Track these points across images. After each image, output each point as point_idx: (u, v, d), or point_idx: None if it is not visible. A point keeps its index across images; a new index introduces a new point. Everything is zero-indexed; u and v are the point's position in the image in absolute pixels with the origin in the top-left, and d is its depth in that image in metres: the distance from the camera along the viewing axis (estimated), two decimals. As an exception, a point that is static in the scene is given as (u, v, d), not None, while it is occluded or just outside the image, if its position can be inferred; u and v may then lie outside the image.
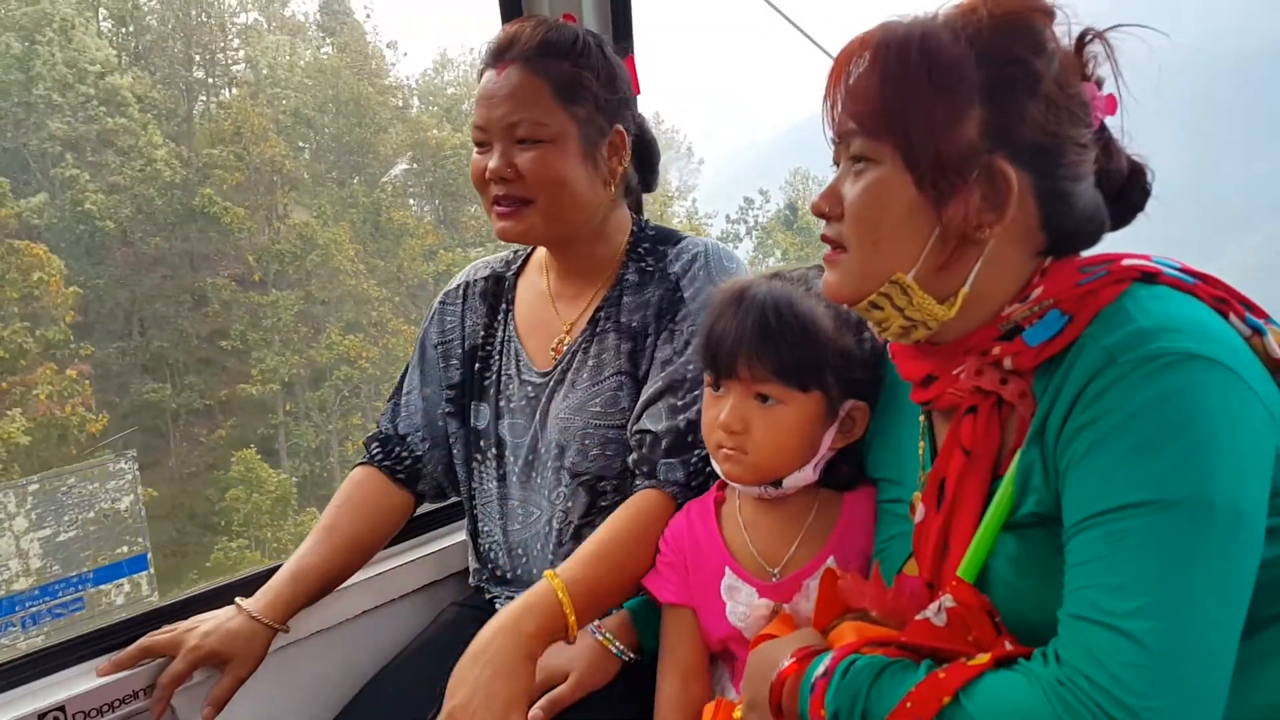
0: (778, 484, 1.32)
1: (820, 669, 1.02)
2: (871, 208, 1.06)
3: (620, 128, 1.63)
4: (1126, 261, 1.05)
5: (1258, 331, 1.03)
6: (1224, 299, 1.04)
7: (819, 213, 1.12)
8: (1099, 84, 1.07)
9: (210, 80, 26.99)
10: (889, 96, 1.03)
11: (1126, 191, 1.11)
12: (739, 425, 1.29)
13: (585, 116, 1.58)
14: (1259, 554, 0.93)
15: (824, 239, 1.13)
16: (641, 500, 1.49)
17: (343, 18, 29.58)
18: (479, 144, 1.60)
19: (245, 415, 22.73)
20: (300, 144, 26.34)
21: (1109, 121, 1.09)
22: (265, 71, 26.42)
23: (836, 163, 1.13)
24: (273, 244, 23.72)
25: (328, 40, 29.09)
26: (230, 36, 27.03)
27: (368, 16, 35.95)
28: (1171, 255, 1.09)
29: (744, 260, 1.66)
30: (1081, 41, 1.07)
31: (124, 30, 26.19)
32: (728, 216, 35.46)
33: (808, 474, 1.32)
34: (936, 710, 0.92)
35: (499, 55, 1.59)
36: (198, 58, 26.77)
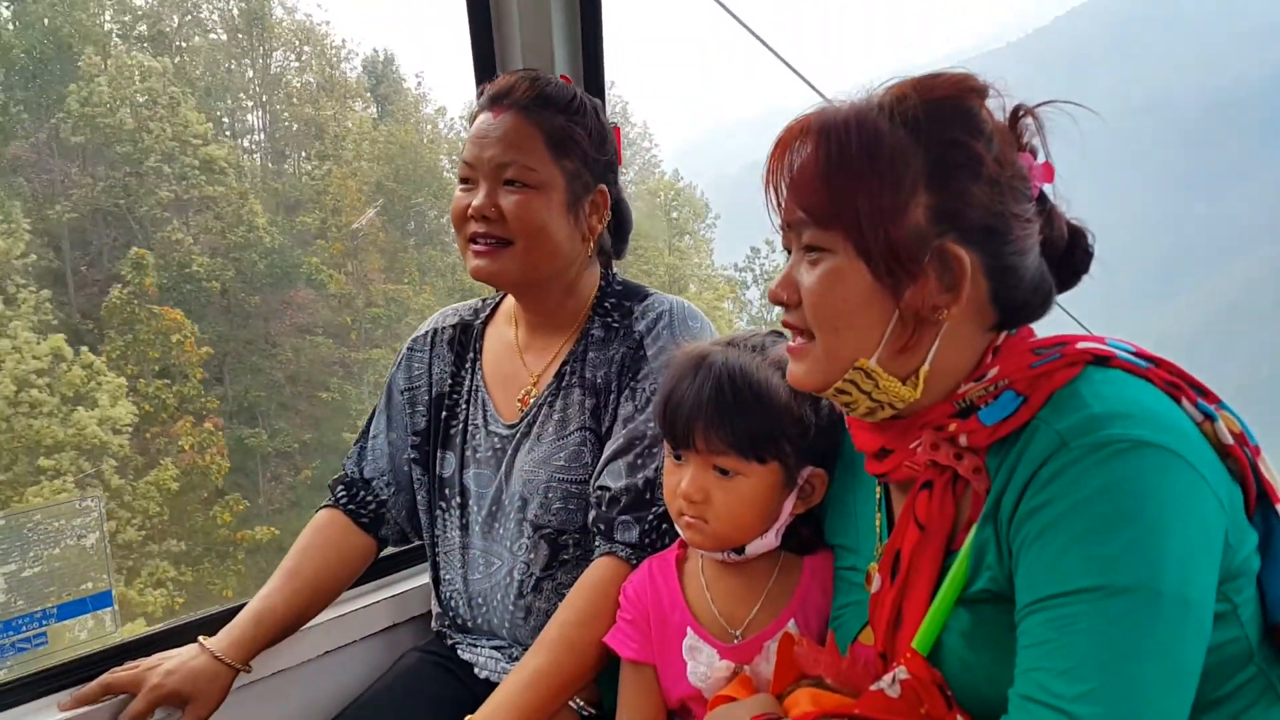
0: (740, 550, 1.34)
1: None
2: (830, 298, 1.08)
3: (604, 188, 1.68)
4: (1080, 344, 1.08)
5: (1209, 417, 1.05)
6: (1176, 384, 1.07)
7: (777, 301, 1.15)
8: (1034, 153, 1.11)
9: (301, 153, 29.47)
10: (836, 187, 1.06)
11: (1069, 256, 1.14)
12: (699, 495, 1.31)
13: (573, 170, 1.62)
14: (1206, 640, 0.95)
15: (786, 325, 1.16)
16: (597, 571, 1.51)
17: (395, 84, 31.77)
18: (465, 180, 1.63)
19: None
20: (382, 213, 28.64)
21: (1046, 189, 1.11)
22: (351, 145, 28.67)
23: (787, 248, 1.15)
24: (367, 306, 26.42)
25: (384, 108, 31.21)
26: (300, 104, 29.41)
27: (419, 84, 38.60)
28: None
29: (708, 321, 1.69)
30: (1015, 116, 1.10)
31: (212, 101, 28.78)
32: (736, 265, 35.78)
33: (769, 540, 1.34)
34: None
35: (496, 100, 1.62)
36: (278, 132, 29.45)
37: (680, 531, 1.37)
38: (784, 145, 1.11)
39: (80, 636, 1.61)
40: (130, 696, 1.51)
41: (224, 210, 25.35)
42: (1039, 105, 1.11)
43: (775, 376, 1.31)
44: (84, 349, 21.05)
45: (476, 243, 1.61)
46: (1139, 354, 1.11)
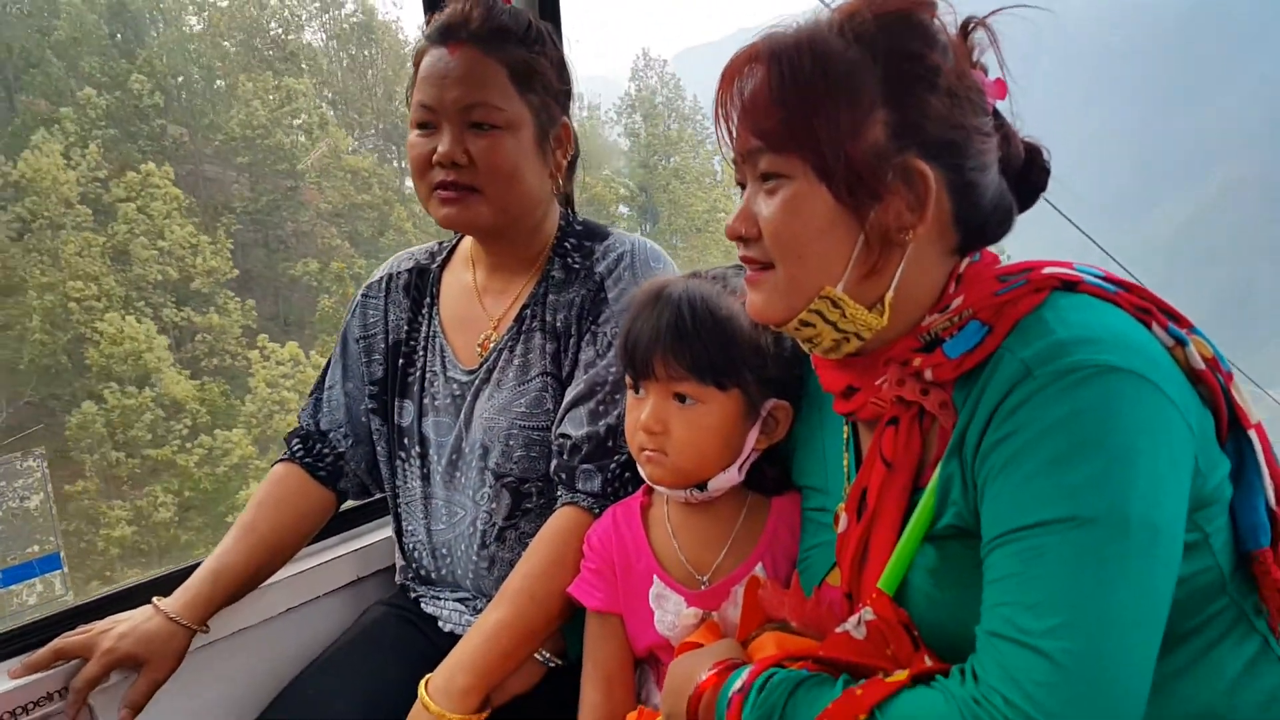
0: (703, 487, 1.31)
1: (737, 683, 1.02)
2: (791, 224, 1.04)
3: (566, 120, 1.62)
4: (1046, 270, 1.04)
5: (1180, 342, 1.03)
6: (1146, 308, 1.04)
7: (734, 236, 1.10)
8: (984, 70, 1.07)
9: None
10: (791, 109, 1.01)
11: (1027, 173, 1.11)
12: (658, 426, 1.28)
13: (538, 105, 1.56)
14: (1176, 569, 0.93)
15: (744, 260, 1.11)
16: (559, 521, 1.48)
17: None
18: (422, 125, 1.54)
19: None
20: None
21: (1000, 106, 1.08)
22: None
23: (740, 183, 1.11)
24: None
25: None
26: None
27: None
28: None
29: (670, 259, 1.65)
30: (965, 29, 1.06)
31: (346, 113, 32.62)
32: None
33: (732, 475, 1.31)
34: None
35: (449, 34, 1.53)
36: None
37: (641, 469, 1.34)
38: (732, 74, 1.06)
39: (29, 601, 1.56)
40: (83, 661, 1.47)
41: (373, 217, 28.81)
42: (990, 15, 1.06)
43: (736, 304, 1.28)
44: (313, 352, 24.13)
45: (444, 189, 1.53)
46: (1108, 278, 1.07)
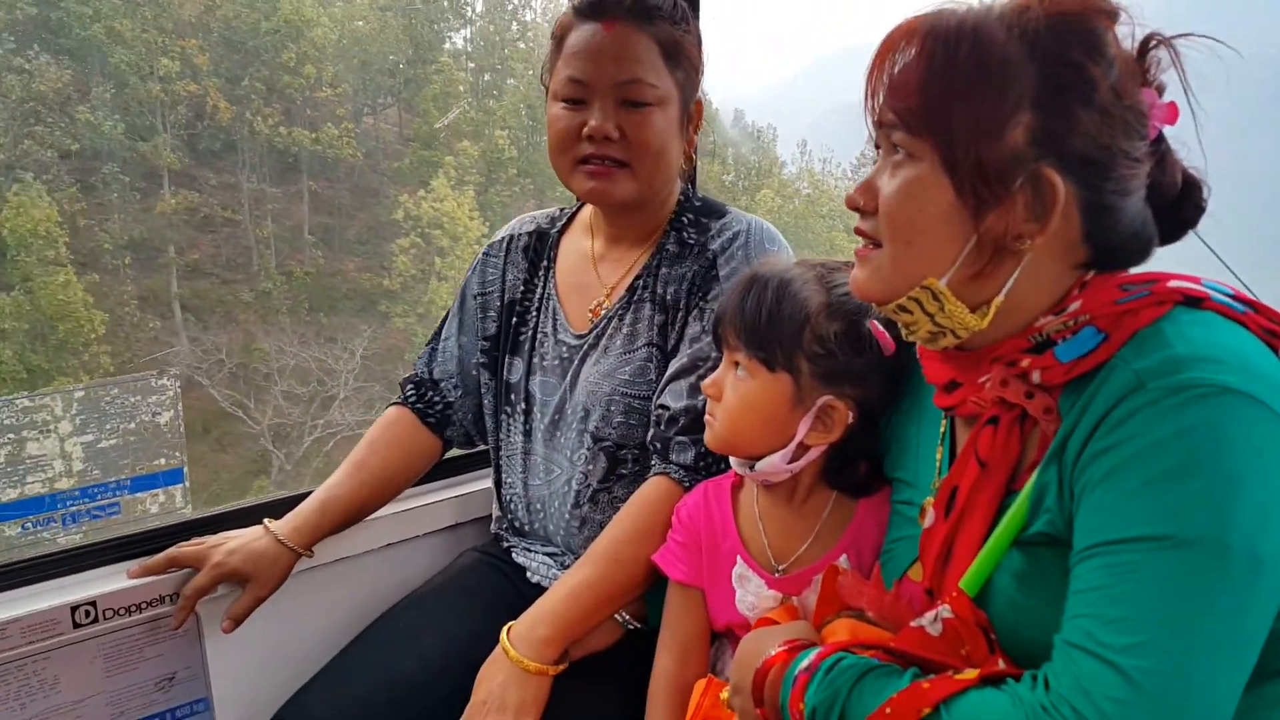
0: (751, 465, 1.32)
1: (805, 663, 1.02)
2: (906, 207, 1.02)
3: (699, 98, 1.63)
4: (1172, 283, 1.00)
5: None
6: (1275, 331, 0.99)
7: (853, 206, 1.09)
8: (1160, 90, 1.02)
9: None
10: (934, 93, 0.99)
11: (1178, 207, 1.05)
12: (714, 390, 1.32)
13: (683, 82, 1.58)
14: (1275, 604, 0.89)
15: (857, 232, 1.10)
16: (650, 490, 1.51)
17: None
18: (570, 100, 1.56)
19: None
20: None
21: (1168, 131, 1.03)
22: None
23: (878, 148, 1.09)
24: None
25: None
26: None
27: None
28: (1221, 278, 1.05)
29: (786, 244, 1.63)
30: (1145, 46, 1.01)
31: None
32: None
33: (776, 463, 1.29)
34: None
35: (601, 9, 1.55)
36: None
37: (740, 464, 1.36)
38: (889, 47, 1.03)
39: (151, 510, 1.67)
40: (194, 571, 1.56)
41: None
42: (1175, 37, 1.01)
43: (814, 291, 1.27)
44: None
45: (590, 163, 1.56)
46: (1237, 297, 1.02)
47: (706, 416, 1.35)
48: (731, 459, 1.36)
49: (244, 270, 26.99)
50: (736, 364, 1.30)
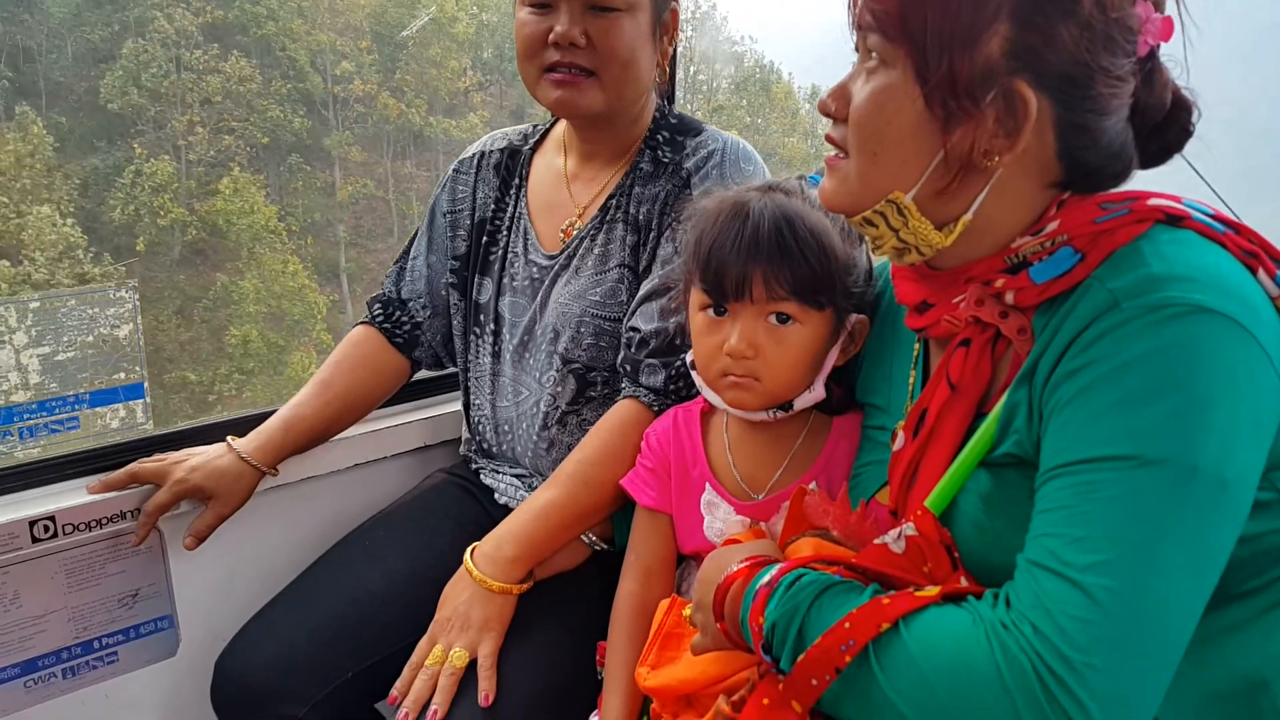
0: (786, 407, 1.28)
1: (766, 578, 1.00)
2: (875, 117, 0.99)
3: (675, 6, 1.58)
4: (1152, 201, 0.97)
5: None
6: (1254, 253, 0.97)
7: (825, 111, 1.05)
8: (1158, 5, 0.98)
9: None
10: None
11: (1162, 129, 1.02)
12: (751, 350, 1.23)
13: None
14: (1239, 526, 0.88)
15: (828, 139, 1.07)
16: (619, 413, 1.49)
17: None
18: (537, 4, 1.50)
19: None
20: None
21: (1168, 50, 0.99)
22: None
23: (856, 50, 1.05)
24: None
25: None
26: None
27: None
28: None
29: (762, 163, 1.60)
30: None
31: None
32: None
33: (818, 392, 1.28)
34: (874, 634, 0.90)
35: None
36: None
37: (715, 396, 1.30)
38: None
39: (111, 425, 1.64)
40: (156, 488, 1.54)
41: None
42: None
43: (825, 219, 1.23)
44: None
45: (557, 71, 1.50)
46: (1216, 217, 0.99)
47: (737, 378, 1.25)
48: (752, 415, 1.30)
49: (384, 240, 30.33)
50: (777, 315, 1.24)
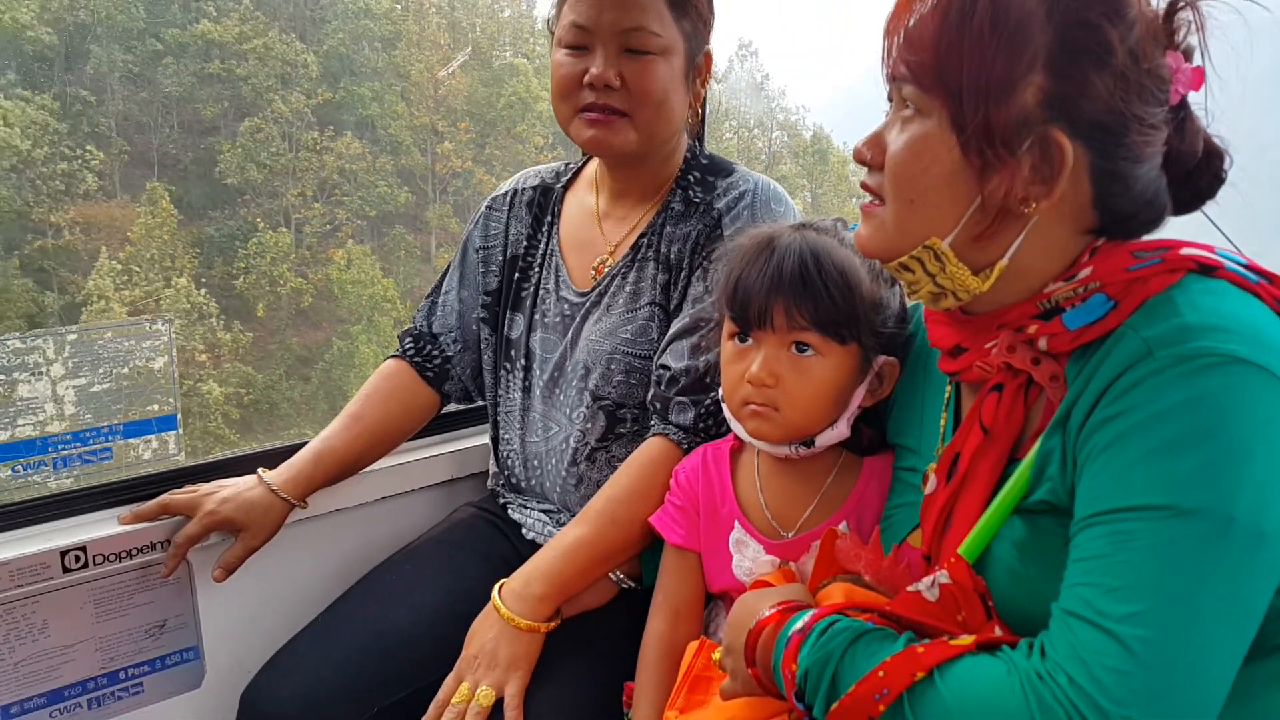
0: (809, 443, 1.28)
1: (799, 624, 1.00)
2: (911, 165, 1.00)
3: (708, 50, 1.60)
4: (1184, 250, 0.97)
5: None
6: None
7: (860, 160, 1.06)
8: (1188, 55, 0.98)
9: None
10: (946, 48, 0.96)
11: (1195, 176, 1.02)
12: (771, 379, 1.23)
13: (689, 32, 1.55)
14: (1277, 578, 0.88)
15: (863, 187, 1.07)
16: (648, 451, 1.49)
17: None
18: (573, 46, 1.53)
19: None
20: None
21: (1193, 97, 0.99)
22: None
23: (890, 100, 1.06)
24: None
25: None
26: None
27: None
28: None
29: (793, 204, 1.61)
30: (1173, 8, 0.98)
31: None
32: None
33: (841, 430, 1.27)
34: (908, 684, 0.90)
35: None
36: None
37: (740, 426, 1.30)
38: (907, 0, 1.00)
39: (144, 456, 1.65)
40: (186, 519, 1.55)
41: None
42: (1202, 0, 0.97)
43: (855, 257, 1.24)
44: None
45: (591, 111, 1.53)
46: (1250, 267, 0.99)
47: (756, 407, 1.25)
48: (776, 447, 1.30)
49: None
50: (798, 344, 1.24)
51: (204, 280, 28.07)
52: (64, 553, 1.48)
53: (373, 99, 32.53)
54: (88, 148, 27.98)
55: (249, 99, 31.30)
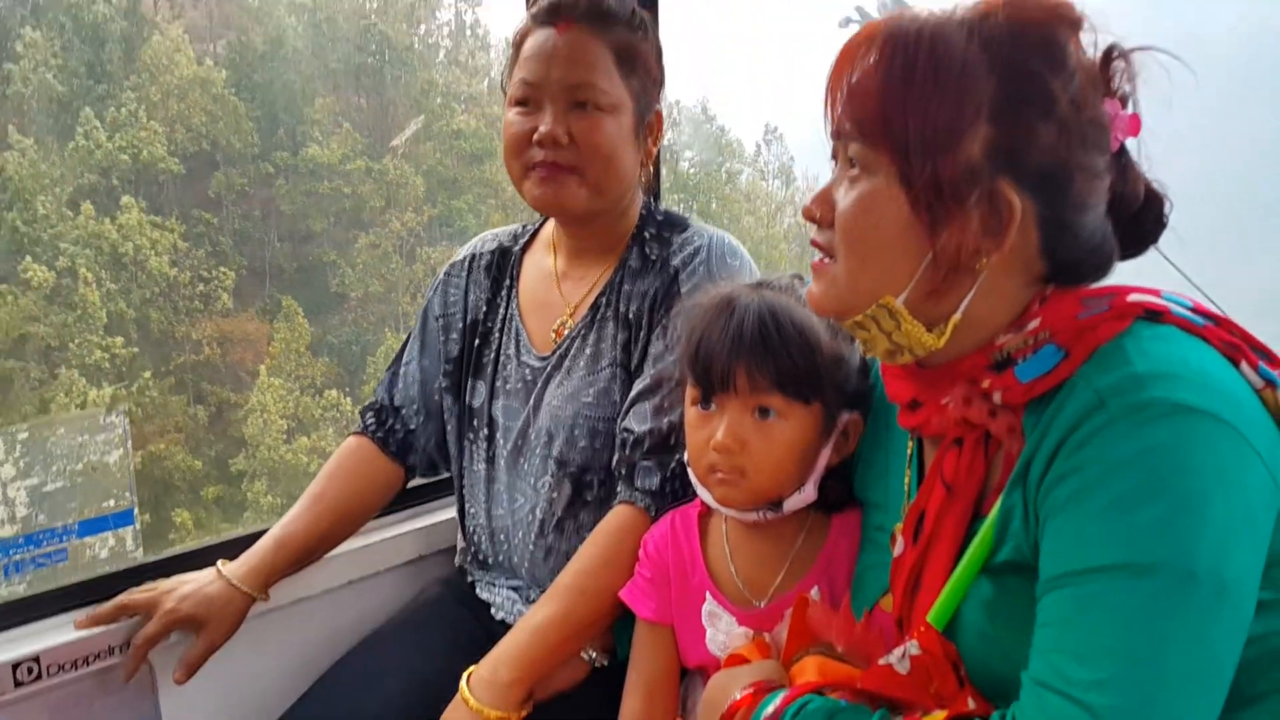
0: (776, 507, 1.25)
1: (770, 708, 0.98)
2: (861, 222, 0.99)
3: (659, 109, 1.60)
4: (1131, 297, 0.97)
5: (1271, 384, 0.94)
6: (1236, 345, 0.96)
7: (809, 216, 1.05)
8: (1124, 101, 0.99)
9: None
10: (890, 103, 0.95)
11: (1139, 220, 1.03)
12: (736, 445, 1.21)
13: (639, 90, 1.55)
14: (1245, 629, 0.86)
15: (814, 244, 1.06)
16: (615, 519, 1.46)
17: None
18: (521, 103, 1.53)
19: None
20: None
21: (1129, 143, 1.00)
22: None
23: (835, 159, 1.05)
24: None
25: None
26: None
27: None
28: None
29: (748, 258, 1.60)
30: (1108, 56, 0.98)
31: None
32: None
33: (809, 493, 1.25)
34: None
35: (556, 14, 1.53)
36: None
37: (708, 494, 1.27)
38: (849, 53, 1.00)
39: (101, 555, 1.61)
40: (146, 617, 1.50)
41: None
42: (1135, 49, 0.98)
43: (813, 316, 1.22)
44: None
45: (540, 169, 1.52)
46: (1196, 310, 0.99)
47: (723, 475, 1.23)
48: (742, 514, 1.27)
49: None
50: (760, 408, 1.22)
51: (348, 389, 29.09)
52: (15, 665, 1.42)
53: (468, 210, 33.68)
54: (220, 269, 29.59)
55: (353, 213, 33.00)
